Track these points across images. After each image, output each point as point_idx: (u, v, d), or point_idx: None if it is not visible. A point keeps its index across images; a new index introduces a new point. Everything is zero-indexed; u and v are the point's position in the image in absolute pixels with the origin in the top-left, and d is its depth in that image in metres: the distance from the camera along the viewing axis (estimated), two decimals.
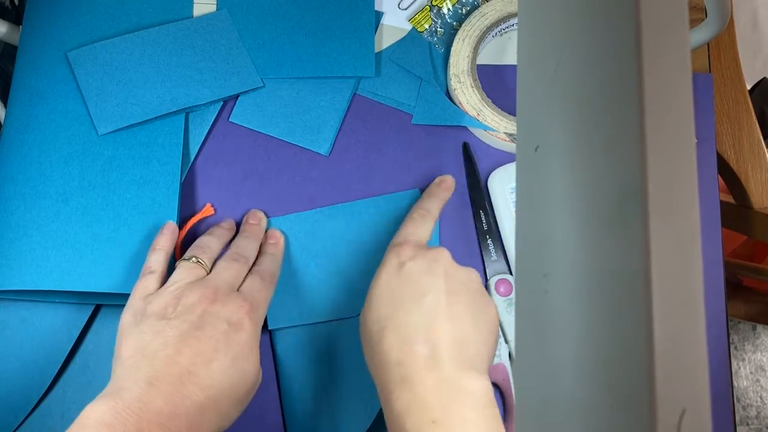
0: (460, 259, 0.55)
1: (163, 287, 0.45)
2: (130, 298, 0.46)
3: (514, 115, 0.58)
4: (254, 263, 0.50)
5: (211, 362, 0.41)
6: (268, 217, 0.54)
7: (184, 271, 0.46)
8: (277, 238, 0.53)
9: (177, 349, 0.41)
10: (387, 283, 0.45)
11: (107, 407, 0.38)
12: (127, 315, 0.45)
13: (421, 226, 0.49)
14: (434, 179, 0.55)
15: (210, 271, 0.47)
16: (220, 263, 0.48)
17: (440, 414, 0.38)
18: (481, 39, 0.58)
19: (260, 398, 0.52)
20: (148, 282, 0.46)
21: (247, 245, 0.50)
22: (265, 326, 0.52)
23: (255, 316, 0.45)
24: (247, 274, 0.48)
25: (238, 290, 0.46)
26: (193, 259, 0.47)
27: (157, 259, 0.48)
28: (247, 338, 0.43)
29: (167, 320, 0.42)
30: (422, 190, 0.56)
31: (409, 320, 0.42)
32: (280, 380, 0.52)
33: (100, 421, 0.37)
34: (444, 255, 0.45)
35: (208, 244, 0.49)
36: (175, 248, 0.52)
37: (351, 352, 0.52)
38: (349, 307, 0.52)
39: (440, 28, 0.61)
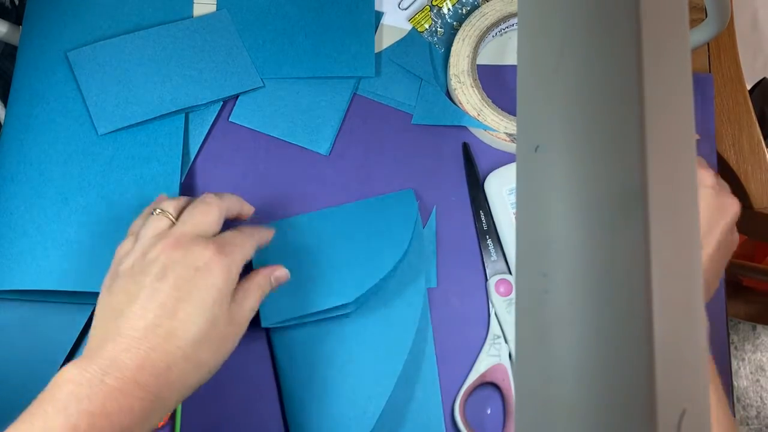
0: (460, 259, 0.55)
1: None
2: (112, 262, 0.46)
3: (514, 115, 0.58)
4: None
5: (176, 312, 0.40)
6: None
7: (148, 225, 0.45)
8: (270, 228, 0.50)
9: (142, 305, 0.41)
10: None
11: (76, 366, 0.38)
12: (106, 279, 0.44)
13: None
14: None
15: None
16: (188, 209, 0.46)
17: None
18: (481, 39, 0.58)
19: (261, 400, 0.52)
20: (125, 244, 0.46)
21: (219, 194, 0.48)
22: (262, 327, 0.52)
23: (226, 260, 0.42)
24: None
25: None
26: (156, 211, 0.45)
27: (138, 222, 0.47)
28: (215, 282, 0.42)
29: (132, 276, 0.42)
30: (416, 190, 0.56)
31: None
32: (280, 382, 0.51)
33: (69, 379, 0.38)
34: None
35: (173, 197, 0.48)
36: None
37: (351, 352, 0.51)
38: (341, 294, 0.51)
39: (440, 28, 0.61)
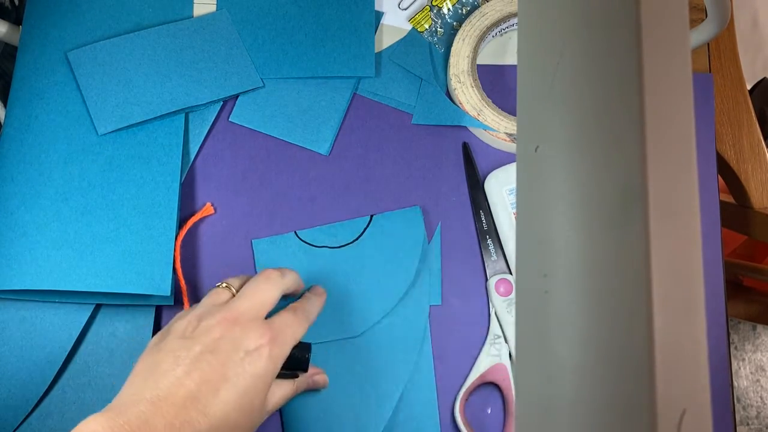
0: (460, 259, 0.55)
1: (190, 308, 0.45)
2: None
3: (514, 115, 0.58)
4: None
5: (219, 390, 0.39)
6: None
7: (211, 295, 0.45)
8: (322, 291, 0.51)
9: (186, 371, 0.39)
10: None
11: (106, 420, 0.37)
12: (155, 337, 0.43)
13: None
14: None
15: None
16: (248, 284, 0.45)
17: None
18: (481, 39, 0.58)
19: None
20: (183, 311, 0.45)
21: (282, 271, 0.47)
22: None
23: (276, 351, 0.42)
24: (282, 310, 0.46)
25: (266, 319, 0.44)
26: (223, 284, 0.46)
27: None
28: (261, 372, 0.41)
29: (183, 339, 0.41)
30: (417, 193, 0.56)
31: None
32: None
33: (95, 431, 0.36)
34: None
35: (239, 275, 0.48)
36: (174, 250, 0.52)
37: (353, 372, 0.51)
38: (347, 329, 0.52)
39: (440, 28, 0.61)
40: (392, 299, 0.52)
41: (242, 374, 0.40)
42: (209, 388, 0.39)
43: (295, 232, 0.54)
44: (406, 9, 0.61)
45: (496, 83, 0.59)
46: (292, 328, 0.44)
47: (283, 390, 0.46)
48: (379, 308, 0.52)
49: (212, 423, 0.39)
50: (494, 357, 0.52)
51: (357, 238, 0.54)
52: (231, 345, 0.41)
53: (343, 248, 0.54)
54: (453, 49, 0.58)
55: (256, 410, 0.41)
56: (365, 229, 0.54)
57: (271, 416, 0.51)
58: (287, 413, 0.51)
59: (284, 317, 0.44)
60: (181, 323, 0.43)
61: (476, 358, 0.53)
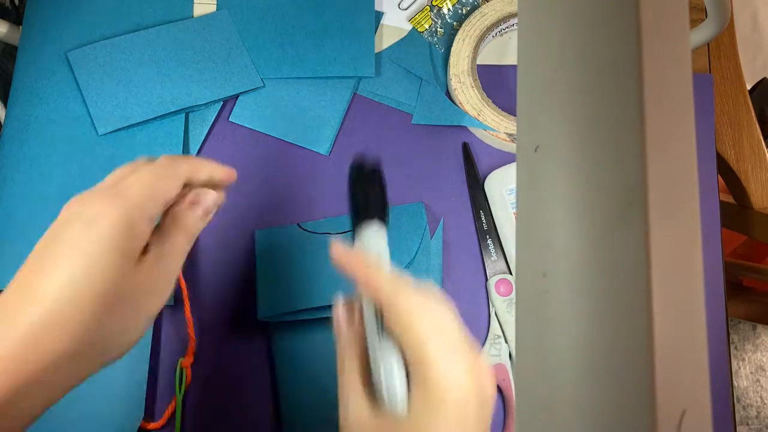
0: (460, 259, 0.55)
1: None
2: None
3: (514, 115, 0.58)
4: None
5: (53, 269, 0.33)
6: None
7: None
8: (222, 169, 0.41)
9: (28, 262, 0.35)
10: None
11: None
12: None
13: None
14: None
15: None
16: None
17: None
18: (481, 39, 0.58)
19: (260, 402, 0.52)
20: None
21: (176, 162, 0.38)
22: (261, 324, 0.52)
23: (121, 205, 0.34)
24: None
25: None
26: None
27: None
28: (104, 233, 0.33)
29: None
30: (418, 193, 0.56)
31: None
32: (278, 387, 0.51)
33: None
34: None
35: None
36: None
37: None
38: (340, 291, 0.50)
39: (440, 28, 0.61)
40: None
41: (77, 244, 0.34)
42: (43, 270, 0.34)
43: (298, 224, 0.54)
44: (406, 9, 0.61)
45: (496, 83, 0.59)
46: (140, 181, 0.36)
47: (173, 247, 0.37)
48: None
49: (46, 308, 0.33)
50: (494, 357, 0.52)
51: None
52: (71, 220, 0.35)
53: (344, 234, 0.54)
54: (453, 49, 0.58)
55: (103, 274, 0.34)
56: None
57: (266, 403, 0.51)
58: (283, 398, 0.51)
59: (136, 173, 0.37)
60: None
61: None
